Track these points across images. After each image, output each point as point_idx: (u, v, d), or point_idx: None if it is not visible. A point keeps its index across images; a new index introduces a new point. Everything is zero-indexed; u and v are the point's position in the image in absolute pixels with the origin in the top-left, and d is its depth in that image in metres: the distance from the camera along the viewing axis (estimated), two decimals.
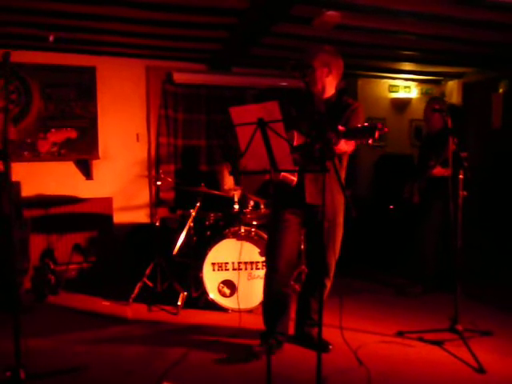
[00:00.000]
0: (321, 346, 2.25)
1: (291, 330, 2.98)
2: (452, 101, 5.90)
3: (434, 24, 3.72)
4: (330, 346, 2.84)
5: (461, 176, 2.96)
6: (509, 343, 2.97)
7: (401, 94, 5.96)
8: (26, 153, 4.12)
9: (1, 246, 3.15)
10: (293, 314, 2.99)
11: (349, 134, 2.12)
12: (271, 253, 2.76)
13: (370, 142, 2.01)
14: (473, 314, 3.33)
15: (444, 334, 2.95)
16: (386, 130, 2.02)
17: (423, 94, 6.03)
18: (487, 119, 5.22)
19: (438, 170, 3.73)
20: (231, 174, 2.17)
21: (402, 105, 5.98)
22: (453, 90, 5.94)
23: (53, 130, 2.83)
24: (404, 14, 3.49)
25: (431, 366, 2.68)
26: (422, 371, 2.62)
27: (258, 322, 2.96)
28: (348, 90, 5.55)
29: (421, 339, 3.00)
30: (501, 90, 5.09)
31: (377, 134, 1.98)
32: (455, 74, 5.66)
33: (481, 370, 2.59)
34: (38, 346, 2.87)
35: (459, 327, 2.90)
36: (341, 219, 2.77)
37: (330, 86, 2.71)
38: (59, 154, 4.39)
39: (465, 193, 2.97)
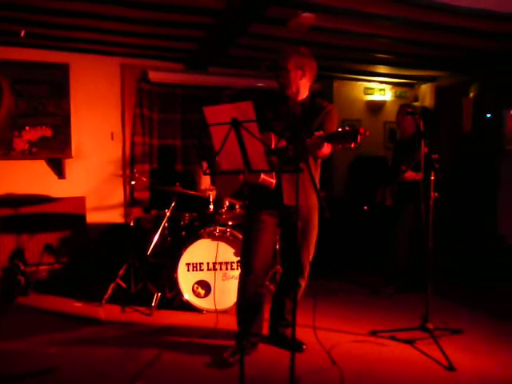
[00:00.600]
0: (294, 346, 2.27)
1: (265, 330, 2.99)
2: (425, 104, 6.03)
3: (407, 28, 3.79)
4: (304, 346, 2.86)
5: (432, 177, 3.02)
6: (479, 341, 3.04)
7: (376, 97, 6.05)
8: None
9: None
10: (267, 315, 3.00)
11: (331, 139, 2.14)
12: (246, 254, 2.75)
13: (353, 146, 2.03)
14: (444, 313, 3.40)
15: (416, 332, 3.00)
16: (367, 134, 2.04)
17: (397, 96, 6.14)
18: (458, 122, 5.34)
19: (410, 174, 3.81)
20: (205, 173, 2.15)
21: (376, 107, 6.07)
22: (426, 93, 6.07)
23: (27, 127, 2.77)
24: (378, 18, 3.54)
25: (403, 364, 2.73)
26: (395, 370, 2.66)
27: (232, 323, 2.95)
28: (324, 91, 5.61)
29: (393, 338, 3.05)
30: (471, 94, 5.22)
31: (359, 139, 2.01)
32: (428, 77, 5.78)
33: (451, 367, 2.64)
34: (9, 347, 2.81)
35: (430, 326, 2.96)
36: (315, 220, 2.79)
37: (303, 88, 2.71)
38: (30, 152, 4.29)
39: (436, 194, 3.03)
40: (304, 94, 2.73)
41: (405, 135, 4.11)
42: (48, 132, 2.81)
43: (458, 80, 5.50)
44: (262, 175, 2.42)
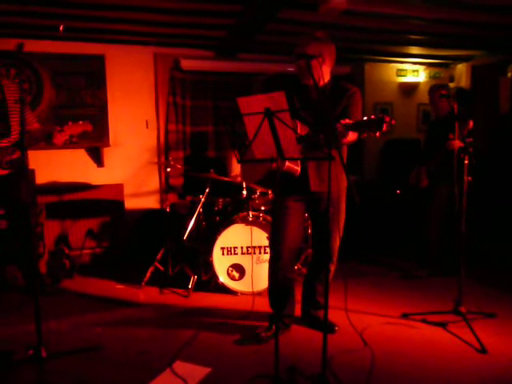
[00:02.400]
0: (327, 327, 2.34)
1: (298, 312, 3.08)
2: (461, 84, 5.88)
3: (441, 8, 3.72)
4: (336, 328, 2.93)
5: (466, 161, 2.99)
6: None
7: (409, 78, 5.95)
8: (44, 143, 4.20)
9: (19, 231, 3.28)
10: (299, 297, 3.08)
11: (355, 127, 2.15)
12: (274, 241, 2.82)
13: (378, 135, 2.04)
14: (477, 297, 3.40)
15: (448, 316, 3.02)
16: (393, 122, 2.03)
17: (431, 77, 6.01)
18: (495, 103, 5.20)
19: (457, 142, 3.66)
20: (239, 161, 2.21)
21: (409, 89, 5.97)
22: (461, 73, 5.91)
23: (70, 122, 2.92)
24: None
25: (435, 346, 2.76)
26: (426, 351, 2.70)
27: (266, 305, 3.05)
28: (354, 74, 5.57)
29: (425, 321, 3.08)
30: (509, 74, 5.06)
31: (384, 127, 2.01)
32: (464, 57, 5.63)
33: (483, 350, 2.66)
34: (57, 326, 2.99)
35: (462, 309, 2.97)
36: (343, 205, 2.83)
37: (325, 74, 2.66)
38: (71, 141, 4.48)
39: (469, 178, 3.00)
40: (326, 78, 2.69)
41: (440, 115, 4.05)
42: (89, 127, 2.94)
43: (495, 59, 5.33)
44: (287, 163, 2.46)
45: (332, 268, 2.88)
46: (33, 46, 4.28)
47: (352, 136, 2.44)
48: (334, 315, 2.95)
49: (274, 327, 2.72)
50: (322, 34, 2.65)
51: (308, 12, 3.67)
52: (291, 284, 2.91)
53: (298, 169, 2.54)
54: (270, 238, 2.93)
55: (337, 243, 2.82)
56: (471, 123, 3.27)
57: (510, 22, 4.06)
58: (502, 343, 2.78)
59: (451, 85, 5.91)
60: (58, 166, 4.60)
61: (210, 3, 3.60)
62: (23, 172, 2.30)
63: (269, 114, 1.95)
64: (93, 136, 4.61)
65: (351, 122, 2.20)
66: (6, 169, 3.15)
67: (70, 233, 4.48)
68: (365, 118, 2.11)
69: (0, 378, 2.41)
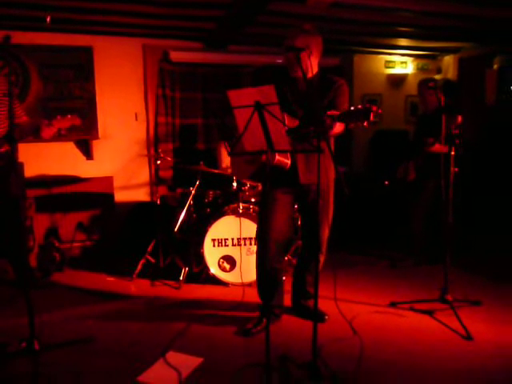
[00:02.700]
0: (317, 316, 2.38)
1: (288, 302, 3.12)
2: (448, 76, 5.94)
3: (430, 1, 3.74)
4: (326, 317, 2.99)
5: (452, 153, 3.04)
6: (497, 312, 3.12)
7: (397, 70, 5.99)
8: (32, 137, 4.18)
9: (9, 225, 3.27)
10: (288, 287, 3.13)
11: (343, 118, 2.17)
12: (261, 232, 2.85)
13: (366, 124, 2.07)
14: (463, 286, 3.47)
15: (435, 304, 3.10)
16: (380, 111, 2.07)
17: (419, 69, 6.05)
18: (482, 95, 5.27)
19: (437, 147, 3.77)
20: (230, 154, 2.23)
21: (398, 80, 6.01)
22: (449, 65, 5.97)
23: (58, 116, 2.92)
24: None
25: (422, 333, 2.83)
26: (414, 339, 2.77)
27: (257, 295, 3.08)
28: (344, 66, 5.59)
29: (412, 309, 3.15)
30: (495, 66, 5.12)
31: (372, 117, 2.03)
32: (451, 48, 5.68)
33: (468, 337, 2.74)
34: (48, 319, 2.99)
35: (449, 297, 3.05)
36: (331, 196, 2.87)
37: (313, 66, 2.67)
38: (60, 134, 4.45)
39: (456, 169, 3.06)
40: (314, 70, 2.70)
41: (428, 109, 4.10)
42: (77, 121, 2.94)
43: (481, 51, 5.39)
44: (277, 156, 2.48)
45: (321, 258, 2.93)
46: (19, 37, 4.19)
47: (339, 127, 2.44)
48: (324, 304, 3.01)
49: (264, 320, 2.76)
50: (309, 26, 2.66)
51: (297, 4, 3.67)
52: (279, 274, 2.94)
53: (289, 162, 2.56)
54: (257, 229, 2.94)
55: (326, 234, 2.87)
56: (459, 118, 3.31)
57: (497, 14, 4.11)
58: (488, 330, 2.85)
59: (438, 76, 5.97)
60: (46, 158, 4.58)
61: None
62: (13, 165, 2.29)
63: (259, 107, 1.97)
64: (82, 128, 4.58)
65: (337, 112, 2.22)
66: None
67: (60, 226, 4.47)
68: (352, 108, 2.13)
69: None
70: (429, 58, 6.06)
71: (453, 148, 3.04)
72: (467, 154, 3.65)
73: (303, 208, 2.95)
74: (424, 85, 4.01)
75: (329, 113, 2.28)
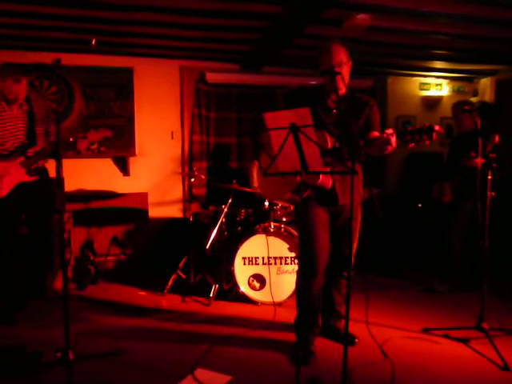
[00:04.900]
0: (347, 339, 2.34)
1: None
2: (485, 98, 5.85)
3: (465, 24, 3.74)
4: (356, 340, 2.94)
5: (489, 177, 2.99)
6: None
7: (432, 92, 5.94)
8: (68, 151, 4.38)
9: (44, 237, 3.41)
10: None
11: (407, 135, 2.15)
12: (308, 254, 2.72)
13: (428, 143, 2.06)
14: (500, 314, 3.37)
15: (470, 331, 3.00)
16: (442, 131, 2.08)
17: (455, 91, 5.99)
18: None
19: (479, 160, 3.64)
20: (264, 174, 2.27)
21: (432, 103, 5.96)
22: (486, 87, 5.88)
23: (92, 130, 3.11)
24: (435, 16, 3.52)
25: (456, 362, 2.75)
26: (447, 367, 2.69)
27: (287, 315, 3.09)
28: (377, 87, 5.60)
29: (446, 336, 3.07)
30: None
31: (434, 136, 2.04)
32: (488, 71, 5.61)
33: (506, 367, 2.64)
34: (81, 330, 3.09)
35: (485, 325, 2.95)
36: (360, 216, 2.85)
37: (346, 82, 2.61)
38: (99, 151, 4.60)
39: (493, 193, 3.00)
40: (344, 87, 2.64)
41: (463, 131, 4.05)
42: (109, 133, 3.11)
43: None
44: (321, 177, 2.49)
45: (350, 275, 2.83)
46: (66, 59, 4.36)
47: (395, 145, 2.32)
48: (355, 327, 2.97)
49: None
50: (340, 45, 2.63)
51: (333, 28, 3.73)
52: (321, 296, 2.87)
53: (330, 182, 2.57)
54: (301, 252, 2.79)
55: (352, 253, 2.79)
56: (497, 138, 3.26)
57: None
58: None
59: (475, 99, 5.89)
60: (85, 174, 4.76)
61: (237, 19, 3.70)
62: (58, 180, 2.41)
63: (294, 129, 2.01)
64: (119, 145, 4.75)
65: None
66: (33, 176, 3.32)
67: (96, 239, 4.61)
68: (410, 128, 2.13)
69: (30, 378, 2.50)
70: (465, 81, 6.00)
71: (490, 172, 2.99)
72: (505, 178, 3.57)
73: (334, 227, 2.86)
74: (459, 108, 3.97)
75: (386, 131, 2.22)
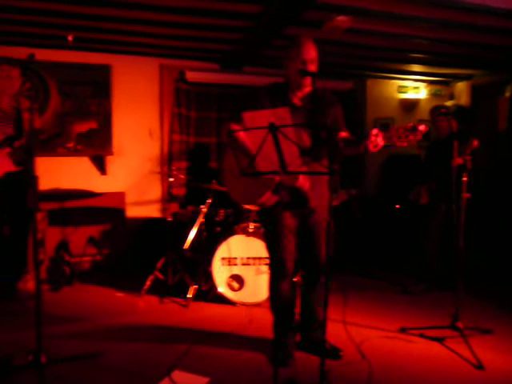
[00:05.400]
0: (324, 341, 2.30)
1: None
2: (461, 102, 5.96)
3: (443, 29, 3.79)
4: (341, 353, 2.78)
5: (464, 179, 3.04)
6: (509, 341, 3.06)
7: (410, 95, 6.03)
8: (43, 148, 4.30)
9: (22, 237, 3.32)
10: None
11: (392, 135, 2.12)
12: (278, 257, 2.67)
13: (414, 142, 2.05)
14: (474, 313, 3.43)
15: (445, 331, 3.05)
16: (426, 129, 2.07)
17: (432, 94, 6.09)
18: (494, 122, 5.27)
19: (458, 160, 3.65)
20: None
21: (410, 105, 6.04)
22: (462, 91, 5.99)
23: (76, 122, 3.09)
24: (414, 19, 3.56)
25: (432, 361, 2.79)
26: (423, 366, 2.72)
27: (265, 316, 3.07)
28: (357, 90, 5.65)
29: (422, 335, 3.10)
30: (507, 94, 5.13)
31: (419, 135, 2.03)
32: (464, 75, 5.71)
33: (480, 366, 2.68)
34: (56, 332, 3.01)
35: (460, 325, 3.00)
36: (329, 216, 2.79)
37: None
38: (75, 149, 4.54)
39: (468, 195, 3.05)
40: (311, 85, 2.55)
41: (440, 135, 4.11)
42: (94, 124, 3.07)
43: (494, 79, 5.42)
44: (301, 178, 2.45)
45: (323, 279, 2.74)
46: (41, 54, 4.31)
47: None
48: (332, 328, 2.97)
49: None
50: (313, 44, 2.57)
51: (313, 29, 3.74)
52: (294, 295, 2.83)
53: (308, 183, 2.53)
54: (271, 255, 2.75)
55: (326, 256, 2.68)
56: (475, 142, 3.30)
57: (509, 43, 4.14)
58: (499, 359, 2.80)
59: (451, 102, 5.99)
60: (61, 172, 4.65)
61: (218, 18, 3.67)
62: (30, 178, 2.35)
63: (273, 129, 2.00)
64: (97, 144, 4.67)
65: (378, 132, 2.16)
66: (19, 166, 3.29)
67: (71, 240, 4.51)
68: (408, 125, 2.10)
69: (0, 382, 2.43)
70: (442, 84, 6.10)
71: (465, 174, 3.04)
72: (480, 180, 3.64)
73: (304, 231, 2.72)
74: (436, 111, 4.04)
75: (373, 131, 2.19)
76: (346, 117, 2.72)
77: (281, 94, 2.61)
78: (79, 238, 4.54)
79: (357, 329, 3.17)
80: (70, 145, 4.54)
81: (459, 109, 5.78)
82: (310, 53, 2.51)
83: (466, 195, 3.04)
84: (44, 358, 2.46)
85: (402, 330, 3.19)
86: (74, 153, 4.59)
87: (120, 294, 3.95)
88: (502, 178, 5.15)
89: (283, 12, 3.33)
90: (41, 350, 2.45)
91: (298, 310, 2.92)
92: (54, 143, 3.78)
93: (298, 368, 2.65)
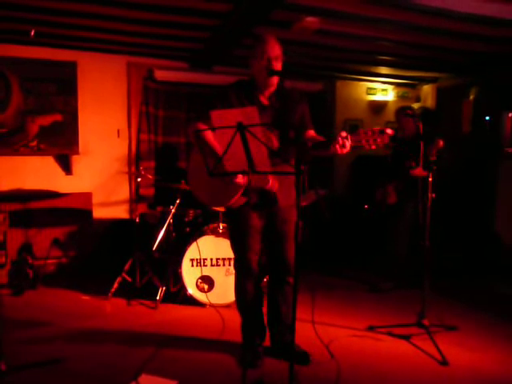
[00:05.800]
0: (293, 343, 2.25)
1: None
2: (427, 104, 6.10)
3: (409, 32, 3.86)
4: (311, 357, 2.74)
5: (430, 179, 3.10)
6: (473, 338, 3.14)
7: (378, 97, 6.13)
8: (4, 147, 4.14)
9: None
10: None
11: (361, 137, 2.12)
12: (243, 258, 2.67)
13: (381, 146, 2.07)
14: (440, 310, 3.49)
15: (412, 328, 3.10)
16: (392, 132, 2.08)
17: (399, 97, 6.21)
18: (459, 124, 5.42)
19: (419, 171, 3.77)
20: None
21: (379, 107, 6.14)
22: (427, 94, 6.14)
23: (40, 115, 2.94)
24: (381, 22, 3.61)
25: (399, 359, 2.83)
26: (390, 364, 2.76)
27: (235, 317, 3.04)
28: (326, 91, 5.70)
29: (390, 333, 3.15)
30: (471, 97, 5.29)
31: (386, 139, 2.04)
32: (430, 78, 5.86)
33: (444, 362, 2.74)
34: (18, 338, 2.90)
35: (426, 322, 3.06)
36: (295, 217, 2.75)
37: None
38: (38, 148, 4.39)
39: (433, 195, 3.12)
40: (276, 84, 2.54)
41: (406, 135, 4.19)
42: (59, 117, 2.94)
43: (458, 82, 5.57)
44: (272, 179, 2.43)
45: (291, 280, 2.71)
46: (2, 50, 4.20)
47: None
48: (301, 327, 2.96)
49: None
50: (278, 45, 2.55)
51: (282, 29, 3.74)
52: (261, 300, 2.83)
53: (277, 185, 2.50)
54: (236, 256, 2.73)
55: (292, 256, 2.68)
56: (441, 143, 3.38)
57: (473, 47, 4.26)
58: (463, 355, 2.87)
59: (417, 105, 6.13)
60: (23, 172, 4.49)
61: (186, 16, 3.62)
62: None
63: (241, 128, 1.98)
64: (61, 143, 4.53)
65: (347, 134, 2.16)
66: None
67: (35, 242, 4.35)
68: (364, 130, 2.11)
69: None
70: (409, 87, 6.23)
71: (431, 174, 3.11)
72: (445, 180, 3.73)
73: (271, 231, 2.69)
74: (402, 112, 4.12)
75: (341, 133, 2.17)
76: (315, 117, 2.73)
77: (248, 92, 2.60)
78: (43, 240, 4.38)
79: (325, 328, 3.19)
80: (33, 144, 4.38)
81: (425, 111, 5.91)
82: (275, 50, 2.50)
83: (431, 195, 3.10)
84: (4, 366, 2.36)
85: (371, 329, 3.23)
86: (38, 152, 4.44)
87: (86, 297, 3.85)
88: (466, 179, 5.31)
89: (252, 11, 3.32)
90: (1, 357, 2.35)
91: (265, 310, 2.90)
92: (14, 139, 3.61)
93: (267, 369, 2.64)
